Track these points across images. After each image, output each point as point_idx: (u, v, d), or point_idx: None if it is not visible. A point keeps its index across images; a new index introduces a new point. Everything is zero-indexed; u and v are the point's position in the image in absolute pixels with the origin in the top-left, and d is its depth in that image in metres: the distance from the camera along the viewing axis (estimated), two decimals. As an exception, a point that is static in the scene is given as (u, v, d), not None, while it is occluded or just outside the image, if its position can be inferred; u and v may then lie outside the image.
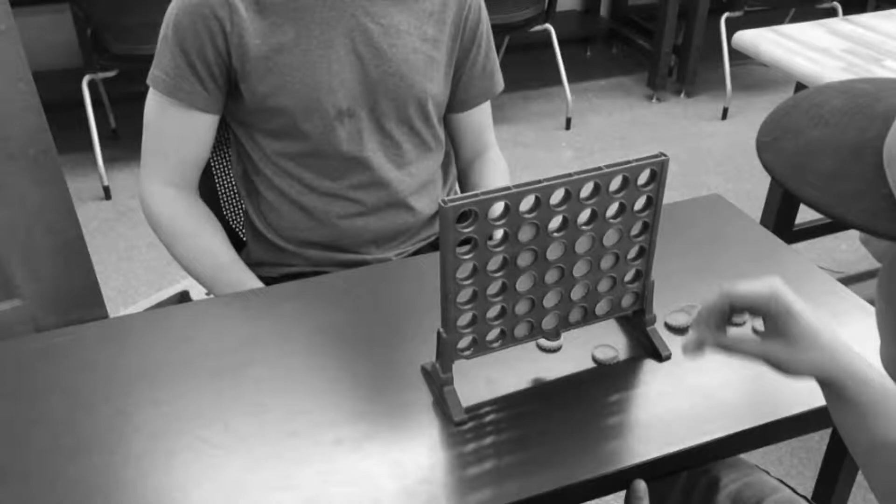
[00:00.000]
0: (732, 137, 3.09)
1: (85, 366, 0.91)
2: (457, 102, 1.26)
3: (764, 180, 2.77)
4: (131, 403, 0.86)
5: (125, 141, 2.90)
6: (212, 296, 1.71)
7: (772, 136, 0.49)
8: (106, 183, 2.61)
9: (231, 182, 1.38)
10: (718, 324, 0.74)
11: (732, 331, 0.75)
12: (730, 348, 0.75)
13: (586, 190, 0.80)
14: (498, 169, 1.32)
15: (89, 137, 2.59)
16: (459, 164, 1.34)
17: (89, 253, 1.55)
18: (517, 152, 2.95)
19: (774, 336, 0.72)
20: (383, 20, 1.12)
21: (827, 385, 0.70)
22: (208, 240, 1.18)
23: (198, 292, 1.87)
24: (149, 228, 1.21)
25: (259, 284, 1.16)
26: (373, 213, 1.21)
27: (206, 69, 1.09)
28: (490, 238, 0.78)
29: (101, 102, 2.83)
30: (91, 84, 2.58)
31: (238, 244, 1.38)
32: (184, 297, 1.84)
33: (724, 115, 3.21)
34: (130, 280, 2.28)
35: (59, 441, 0.81)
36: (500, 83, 1.29)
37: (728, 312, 0.74)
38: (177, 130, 1.14)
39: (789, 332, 0.70)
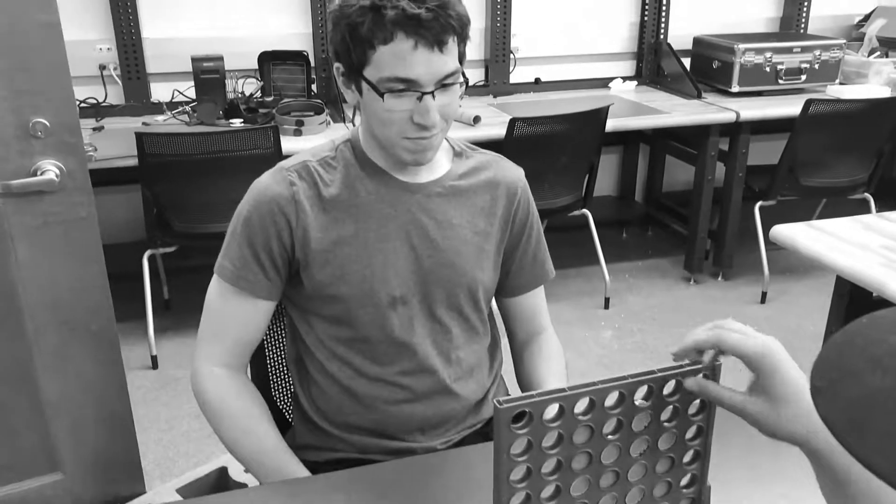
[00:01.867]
0: (773, 322, 3.09)
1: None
2: (510, 288, 1.31)
3: (810, 366, 2.72)
4: None
5: (176, 311, 3.00)
6: (248, 474, 1.69)
7: (826, 380, 0.45)
8: (154, 352, 2.67)
9: (282, 363, 1.41)
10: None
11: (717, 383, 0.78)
12: (710, 396, 0.77)
13: (640, 393, 0.81)
14: (552, 353, 1.34)
15: (143, 307, 2.68)
16: (514, 346, 1.37)
17: (135, 429, 1.57)
18: (558, 330, 2.94)
19: (758, 392, 0.73)
20: (438, 215, 1.19)
21: (805, 450, 0.70)
22: (255, 422, 1.19)
23: (236, 470, 1.86)
24: (191, 399, 1.23)
25: (303, 471, 1.15)
26: (420, 399, 1.22)
27: (270, 261, 1.16)
28: (543, 440, 0.78)
29: (157, 274, 2.97)
30: (150, 258, 2.72)
31: (283, 425, 1.38)
32: (222, 473, 1.82)
33: (763, 300, 3.23)
34: (169, 452, 2.27)
35: None
36: (551, 271, 1.35)
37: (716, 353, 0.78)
38: (236, 315, 1.19)
39: (774, 391, 0.71)
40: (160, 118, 2.96)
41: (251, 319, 1.20)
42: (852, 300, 1.85)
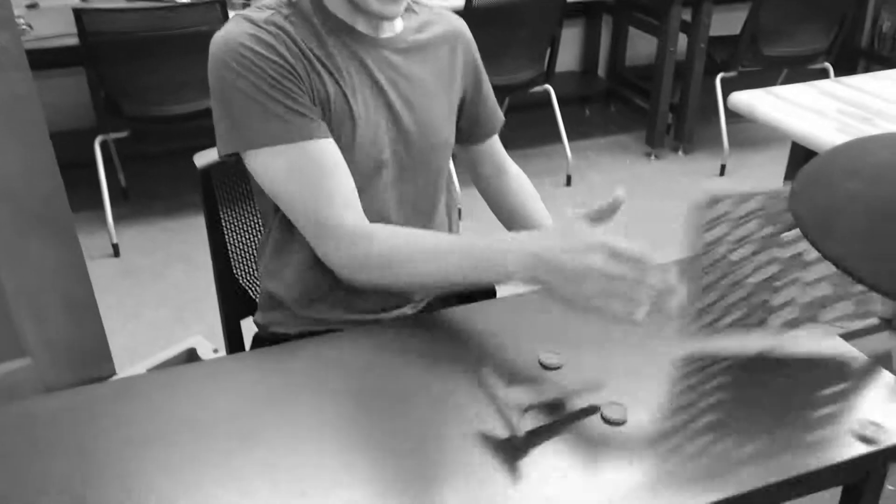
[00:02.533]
0: (731, 193, 3.14)
1: (94, 428, 0.92)
2: (479, 134, 1.32)
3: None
4: (142, 466, 0.86)
5: (135, 199, 2.95)
6: (221, 353, 1.72)
7: (803, 185, 0.46)
8: (115, 241, 2.64)
9: (246, 239, 1.40)
10: None
11: None
12: None
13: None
14: (523, 178, 1.38)
15: (100, 196, 2.63)
16: (486, 185, 1.39)
17: (99, 311, 1.57)
18: (519, 209, 2.99)
19: None
20: (405, 71, 1.15)
21: None
22: (431, 237, 1.06)
23: (205, 350, 1.89)
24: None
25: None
26: None
27: (300, 101, 1.03)
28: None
29: (112, 162, 2.90)
30: (102, 144, 2.64)
31: (249, 307, 1.39)
32: (191, 354, 1.86)
33: (723, 172, 3.27)
34: (137, 337, 2.30)
35: None
36: (501, 114, 1.36)
37: None
38: (321, 161, 1.03)
39: None
40: (99, -6, 2.80)
41: (335, 157, 1.04)
42: (806, 167, 1.89)
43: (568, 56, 3.90)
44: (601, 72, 3.97)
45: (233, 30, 1.05)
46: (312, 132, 1.03)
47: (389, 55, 1.14)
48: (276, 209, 1.17)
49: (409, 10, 1.21)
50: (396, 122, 1.15)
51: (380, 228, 1.06)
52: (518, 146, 3.42)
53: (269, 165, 1.04)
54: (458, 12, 2.55)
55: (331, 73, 1.09)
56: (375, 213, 1.15)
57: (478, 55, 1.29)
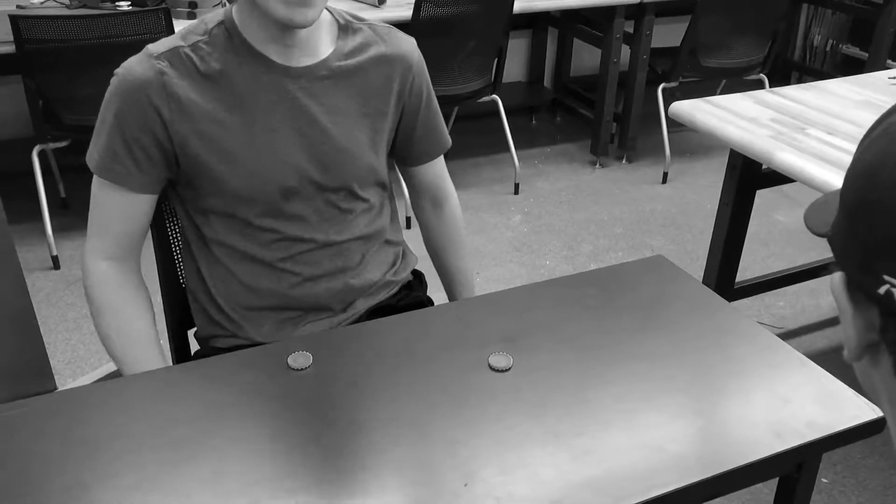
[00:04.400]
0: (673, 200, 3.22)
1: (37, 439, 0.90)
2: (414, 157, 1.32)
3: (704, 241, 2.88)
4: (87, 476, 0.85)
5: (75, 210, 2.88)
6: (168, 365, 1.69)
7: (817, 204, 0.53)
8: (55, 252, 2.57)
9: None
10: None
11: None
12: None
13: None
14: (457, 217, 1.42)
15: (38, 207, 2.56)
16: (422, 214, 1.40)
17: (38, 325, 1.53)
18: (468, 216, 3.02)
19: None
20: (325, 101, 1.16)
21: None
22: (128, 321, 1.18)
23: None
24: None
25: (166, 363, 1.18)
26: (319, 281, 1.22)
27: (143, 152, 1.11)
28: None
29: (51, 172, 2.82)
30: (41, 154, 2.57)
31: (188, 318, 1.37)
32: (135, 367, 1.81)
33: (665, 180, 3.35)
34: (79, 350, 2.24)
35: (14, 516, 0.79)
36: (448, 140, 1.36)
37: None
38: (115, 208, 1.15)
39: None
40: (36, 0, 2.73)
41: (130, 212, 1.16)
42: (743, 173, 1.95)
43: (515, 67, 3.96)
44: (547, 82, 4.04)
45: (127, 63, 1.11)
46: (124, 180, 1.13)
47: (307, 85, 1.15)
48: (199, 239, 1.21)
49: (347, 29, 1.20)
50: (311, 151, 1.16)
51: (100, 280, 1.17)
52: (467, 155, 3.45)
53: (93, 187, 1.16)
54: (406, 23, 2.60)
55: (235, 105, 1.11)
56: (290, 238, 1.18)
57: (427, 78, 1.27)
